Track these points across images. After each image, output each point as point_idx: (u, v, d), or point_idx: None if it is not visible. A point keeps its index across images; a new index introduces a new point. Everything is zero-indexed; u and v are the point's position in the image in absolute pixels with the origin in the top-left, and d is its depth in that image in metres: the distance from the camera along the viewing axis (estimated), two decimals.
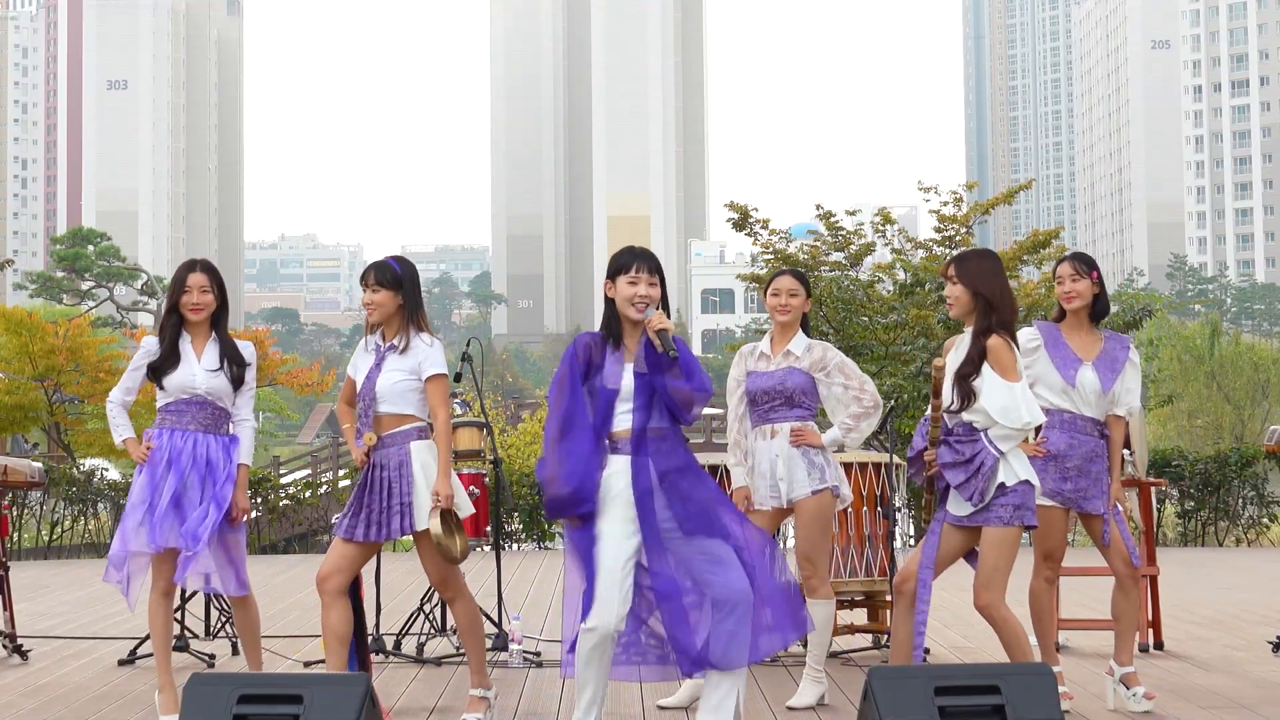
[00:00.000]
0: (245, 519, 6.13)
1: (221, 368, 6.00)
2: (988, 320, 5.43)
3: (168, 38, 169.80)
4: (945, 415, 5.43)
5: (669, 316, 4.99)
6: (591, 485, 4.88)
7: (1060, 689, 5.89)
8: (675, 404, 4.90)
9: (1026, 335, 6.00)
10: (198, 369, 5.97)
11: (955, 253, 5.72)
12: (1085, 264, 6.07)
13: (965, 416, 5.41)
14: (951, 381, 5.43)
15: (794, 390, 6.19)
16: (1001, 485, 5.36)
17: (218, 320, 6.07)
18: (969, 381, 5.37)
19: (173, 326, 6.02)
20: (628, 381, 4.94)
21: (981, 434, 5.36)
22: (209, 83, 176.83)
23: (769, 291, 6.35)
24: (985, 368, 5.37)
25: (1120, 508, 6.06)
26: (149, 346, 6.05)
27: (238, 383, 6.03)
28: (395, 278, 5.64)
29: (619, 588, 4.84)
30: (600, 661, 4.88)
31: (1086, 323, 6.08)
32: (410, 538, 5.72)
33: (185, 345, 6.01)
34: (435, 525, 5.45)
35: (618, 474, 4.91)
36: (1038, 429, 6.03)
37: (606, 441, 4.93)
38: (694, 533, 4.87)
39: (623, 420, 4.93)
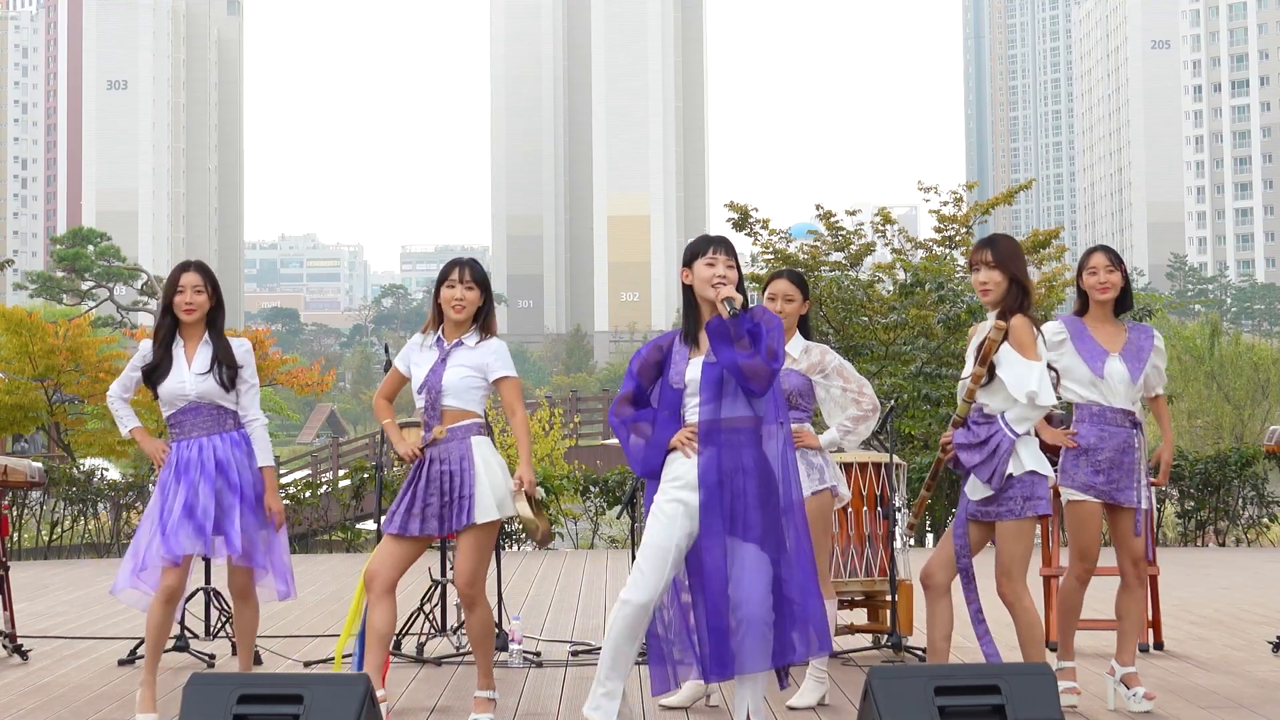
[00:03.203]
0: (281, 521, 6.11)
1: (211, 370, 5.97)
2: (1017, 302, 5.50)
3: (168, 38, 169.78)
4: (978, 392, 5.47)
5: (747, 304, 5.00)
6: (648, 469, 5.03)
7: (1071, 684, 5.90)
8: (744, 376, 4.83)
9: (1053, 329, 5.99)
10: (186, 375, 5.95)
11: (981, 239, 5.73)
12: (1115, 257, 6.07)
13: (981, 398, 5.45)
14: (973, 360, 5.46)
15: (791, 392, 6.20)
16: (1010, 477, 5.40)
17: (213, 321, 6.05)
18: (990, 359, 5.43)
19: (167, 328, 6.00)
20: (693, 374, 4.95)
21: (998, 416, 5.41)
22: (209, 83, 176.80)
23: (765, 295, 6.34)
24: (1005, 346, 5.43)
25: (1153, 499, 6.09)
26: (144, 350, 6.04)
27: (229, 384, 6.01)
28: (484, 278, 5.70)
29: (661, 567, 4.87)
30: (628, 638, 4.89)
31: (1111, 315, 6.08)
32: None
33: (178, 349, 6.00)
34: (525, 508, 5.51)
35: (682, 459, 4.93)
36: (1066, 421, 6.05)
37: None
38: (743, 536, 4.87)
39: (692, 413, 4.96)
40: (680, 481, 4.92)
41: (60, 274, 63.21)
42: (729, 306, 4.85)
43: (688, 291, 5.04)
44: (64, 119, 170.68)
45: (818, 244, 22.28)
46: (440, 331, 5.69)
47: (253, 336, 29.42)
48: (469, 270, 5.64)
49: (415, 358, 5.71)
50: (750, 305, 4.91)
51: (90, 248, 61.17)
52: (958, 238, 22.20)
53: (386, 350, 8.41)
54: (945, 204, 22.23)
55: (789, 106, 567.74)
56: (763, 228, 22.08)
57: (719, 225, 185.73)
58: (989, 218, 23.27)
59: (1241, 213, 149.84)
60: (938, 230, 22.31)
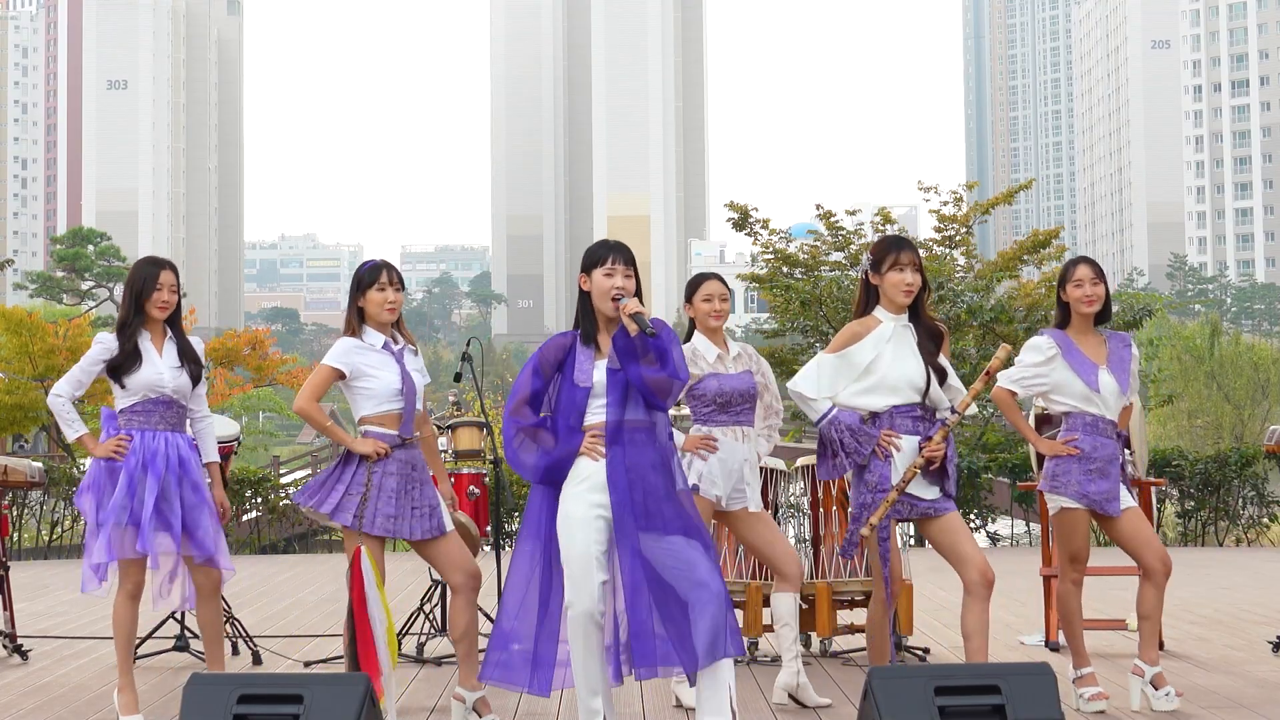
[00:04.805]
0: (228, 515, 6.16)
1: (183, 366, 6.01)
2: (924, 306, 5.67)
3: (168, 37, 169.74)
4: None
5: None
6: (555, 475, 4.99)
7: (1096, 689, 5.90)
8: (650, 391, 4.88)
9: (1044, 343, 6.01)
10: (163, 368, 5.95)
11: (895, 238, 5.81)
12: (1099, 269, 6.09)
13: (934, 400, 5.57)
14: (924, 367, 5.57)
15: (756, 393, 6.20)
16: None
17: (174, 319, 6.07)
18: (938, 362, 5.60)
19: (137, 324, 5.97)
20: (600, 378, 4.94)
21: (941, 422, 5.57)
22: (209, 83, 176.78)
23: (699, 297, 6.21)
24: (943, 358, 5.64)
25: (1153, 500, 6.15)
26: (108, 344, 5.95)
27: (195, 380, 6.06)
28: (404, 280, 5.79)
29: (589, 571, 4.83)
30: (585, 648, 4.85)
31: (1091, 326, 6.08)
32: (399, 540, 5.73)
33: (145, 343, 5.97)
34: (460, 516, 5.68)
35: (588, 461, 4.92)
36: (1058, 428, 6.06)
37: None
38: (662, 530, 4.85)
39: (596, 415, 4.95)
40: (590, 482, 4.90)
41: (60, 274, 63.29)
42: (637, 322, 4.86)
43: (585, 298, 5.03)
44: (64, 119, 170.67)
45: (818, 244, 22.28)
46: (380, 335, 5.69)
47: (252, 336, 29.43)
48: (396, 273, 5.72)
49: (368, 360, 5.63)
50: (648, 319, 4.89)
51: (90, 248, 61.22)
52: (958, 238, 22.20)
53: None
54: (945, 204, 22.23)
55: (789, 106, 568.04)
56: (763, 228, 22.08)
57: (719, 225, 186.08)
58: (989, 218, 23.26)
59: (1241, 213, 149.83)
60: (938, 230, 22.31)
